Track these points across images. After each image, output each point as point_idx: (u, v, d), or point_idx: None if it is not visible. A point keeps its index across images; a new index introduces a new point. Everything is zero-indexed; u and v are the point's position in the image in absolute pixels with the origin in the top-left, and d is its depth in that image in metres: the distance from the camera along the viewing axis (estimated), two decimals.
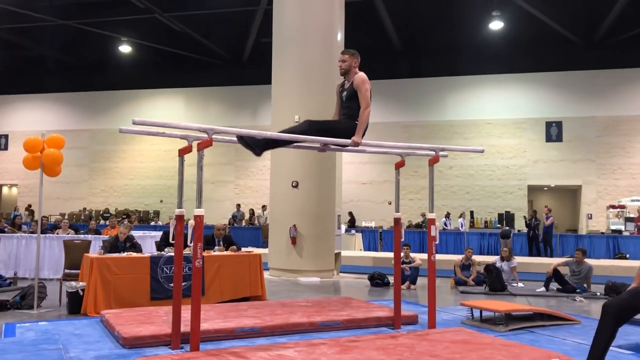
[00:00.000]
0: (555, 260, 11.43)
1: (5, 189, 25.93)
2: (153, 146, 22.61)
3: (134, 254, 7.44)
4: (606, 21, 17.59)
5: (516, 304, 7.87)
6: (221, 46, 21.08)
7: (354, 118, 4.95)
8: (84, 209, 22.36)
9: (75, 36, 20.81)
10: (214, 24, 19.31)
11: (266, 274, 9.40)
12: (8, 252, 10.46)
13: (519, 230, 17.33)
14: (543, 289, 9.67)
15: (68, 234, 11.02)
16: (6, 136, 24.41)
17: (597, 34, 18.73)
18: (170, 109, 22.99)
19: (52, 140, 7.35)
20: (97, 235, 10.98)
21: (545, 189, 21.12)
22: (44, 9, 18.04)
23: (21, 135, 19.96)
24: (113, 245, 7.83)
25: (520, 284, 10.39)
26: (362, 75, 5.00)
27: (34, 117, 23.89)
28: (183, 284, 5.03)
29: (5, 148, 24.36)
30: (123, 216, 20.56)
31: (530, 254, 16.12)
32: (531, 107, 19.80)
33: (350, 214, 19.29)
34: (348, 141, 4.84)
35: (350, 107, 5.01)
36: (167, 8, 17.98)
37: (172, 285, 5.61)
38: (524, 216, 17.28)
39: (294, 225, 11.13)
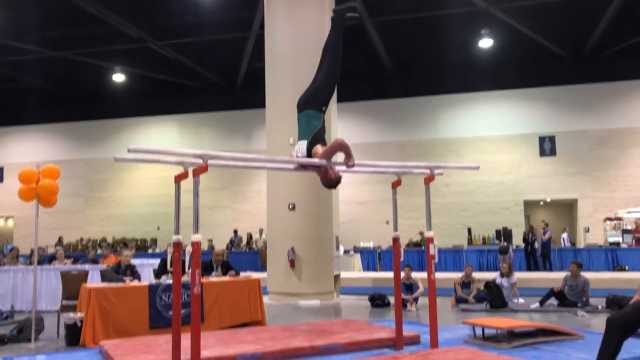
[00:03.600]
0: (556, 275, 11.42)
1: (0, 222, 25.79)
2: (149, 173, 22.60)
3: (132, 283, 7.39)
4: (593, 36, 17.82)
5: (518, 320, 7.82)
6: (214, 72, 21.23)
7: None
8: (81, 239, 22.25)
9: (69, 67, 20.92)
10: (206, 50, 19.45)
11: (266, 299, 9.33)
12: (5, 285, 10.37)
13: (517, 246, 17.31)
14: (537, 304, 9.62)
15: (65, 264, 10.95)
16: (1, 168, 24.38)
17: (585, 49, 18.95)
18: (164, 136, 23.05)
19: (48, 171, 7.35)
20: (95, 265, 10.91)
21: (542, 203, 21.15)
22: (37, 41, 18.16)
23: (16, 167, 19.91)
24: (115, 271, 7.83)
25: (521, 300, 10.35)
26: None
27: (29, 149, 23.91)
28: (182, 311, 4.99)
29: (1, 180, 24.31)
30: (120, 245, 20.48)
31: (529, 269, 16.10)
32: (524, 123, 19.93)
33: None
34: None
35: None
36: (160, 37, 18.13)
37: (171, 313, 5.56)
38: (524, 232, 17.27)
39: (292, 248, 11.10)
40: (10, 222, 25.03)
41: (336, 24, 4.84)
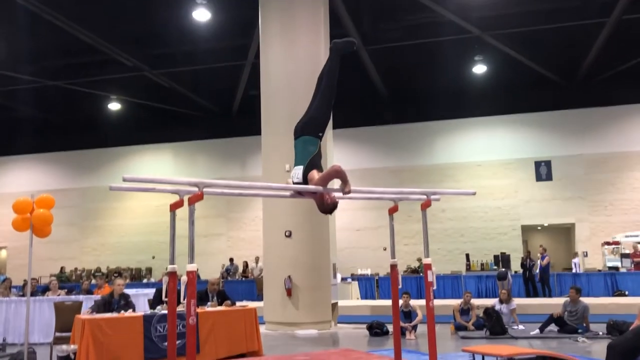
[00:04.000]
0: (555, 301, 11.32)
1: None
2: (144, 202, 22.51)
3: (127, 314, 7.27)
4: (586, 61, 18.02)
5: (518, 347, 7.71)
6: (210, 100, 21.33)
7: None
8: (75, 268, 22.02)
9: (64, 96, 20.99)
10: (202, 79, 19.57)
11: (262, 328, 9.20)
12: None
13: (515, 272, 17.21)
14: (537, 331, 9.52)
15: (59, 295, 10.80)
16: None
17: (578, 74, 19.15)
18: (159, 164, 23.03)
19: (42, 201, 7.31)
20: (89, 296, 10.77)
21: (539, 228, 21.11)
22: (32, 70, 18.25)
23: (10, 197, 19.76)
24: (107, 302, 7.68)
25: (520, 327, 10.25)
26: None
27: (23, 178, 23.82)
28: (177, 342, 4.89)
29: None
30: (115, 274, 20.25)
31: (528, 295, 15.97)
32: (519, 148, 20.02)
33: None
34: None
35: None
36: (155, 65, 18.25)
37: (166, 344, 5.45)
38: (522, 257, 17.19)
39: (289, 277, 11.00)
40: (4, 253, 24.79)
41: (334, 54, 4.95)
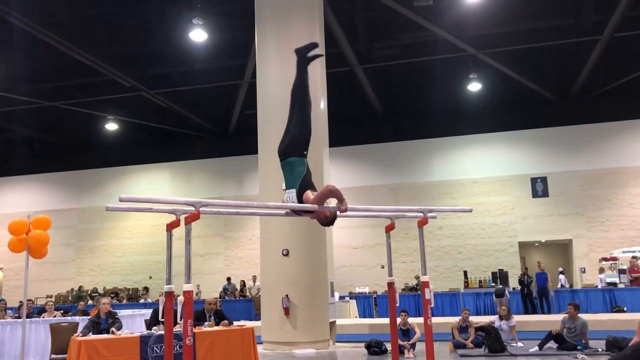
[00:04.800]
0: (554, 317, 11.27)
1: None
2: (140, 222, 22.45)
3: (122, 334, 7.22)
4: (579, 78, 18.20)
5: None
6: (207, 119, 21.41)
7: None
8: (72, 289, 21.87)
9: (62, 117, 21.06)
10: (199, 98, 19.67)
11: (260, 348, 9.14)
12: None
13: (513, 288, 17.16)
14: (536, 348, 9.47)
15: (55, 316, 10.71)
16: None
17: (571, 91, 19.32)
18: (156, 183, 23.02)
19: (39, 222, 7.30)
20: (86, 317, 10.68)
21: (537, 244, 21.11)
22: (29, 91, 18.31)
23: (6, 218, 19.73)
24: (95, 323, 7.61)
25: (519, 344, 10.18)
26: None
27: (20, 199, 23.75)
28: None
29: None
30: (112, 295, 20.13)
31: (526, 312, 15.90)
32: (515, 164, 20.09)
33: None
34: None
35: None
36: (152, 86, 18.34)
37: None
38: (520, 274, 17.14)
39: (287, 295, 10.93)
40: (0, 274, 24.63)
41: (300, 65, 4.96)
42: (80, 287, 21.49)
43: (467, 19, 15.27)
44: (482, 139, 20.58)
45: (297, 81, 4.99)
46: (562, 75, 18.87)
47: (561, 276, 18.02)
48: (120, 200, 4.20)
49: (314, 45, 5.06)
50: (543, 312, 15.66)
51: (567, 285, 17.90)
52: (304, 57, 5.03)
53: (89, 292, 21.17)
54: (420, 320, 8.51)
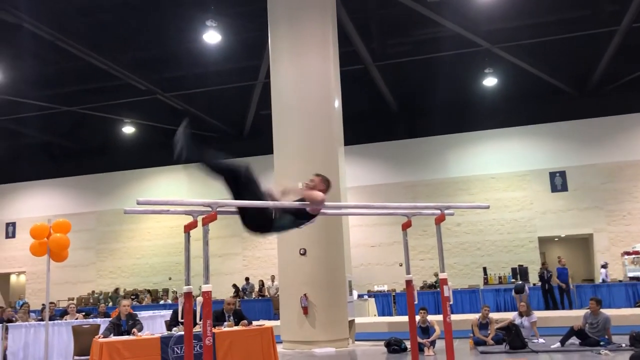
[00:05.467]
0: (575, 313, 11.15)
1: (13, 277, 25.78)
2: (159, 223, 22.62)
3: (143, 336, 7.28)
4: (597, 70, 17.93)
5: None
6: (222, 121, 21.50)
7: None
8: (93, 292, 22.13)
9: (79, 121, 21.32)
10: (214, 100, 19.77)
11: (279, 347, 9.16)
12: (17, 341, 10.26)
13: (534, 284, 16.99)
14: (558, 344, 9.36)
15: (76, 318, 10.85)
16: (13, 224, 24.51)
17: (589, 83, 19.04)
18: (173, 185, 23.15)
19: (59, 225, 7.39)
20: (107, 318, 10.80)
21: (556, 239, 20.87)
22: (47, 97, 18.57)
23: (28, 222, 20.02)
24: (116, 325, 7.69)
25: (541, 340, 10.08)
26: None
27: (40, 203, 24.08)
28: None
29: (13, 236, 24.41)
30: (132, 297, 20.32)
31: (547, 308, 15.75)
32: (533, 159, 19.87)
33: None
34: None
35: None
36: (168, 88, 18.47)
37: None
38: (540, 270, 16.94)
39: (305, 295, 10.95)
40: (23, 278, 25.01)
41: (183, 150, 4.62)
42: (116, 289, 21.71)
43: (481, 14, 15.14)
44: (499, 134, 20.38)
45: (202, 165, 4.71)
46: (579, 67, 18.62)
47: (603, 270, 17.60)
48: (138, 204, 4.24)
49: (187, 125, 4.81)
50: (563, 308, 15.50)
51: (609, 280, 17.42)
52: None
53: (110, 294, 21.38)
54: (440, 317, 8.46)
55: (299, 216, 4.73)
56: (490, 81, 18.68)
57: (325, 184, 4.84)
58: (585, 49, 17.05)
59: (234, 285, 20.15)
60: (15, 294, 24.63)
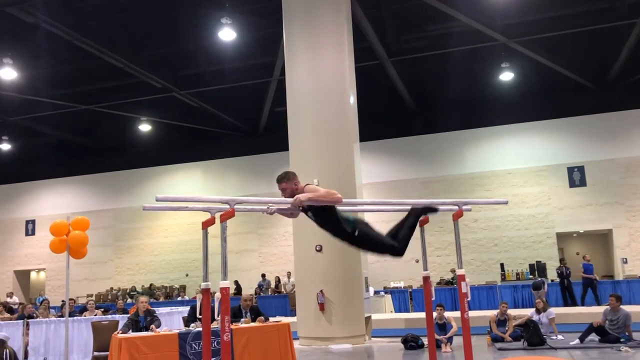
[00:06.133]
0: (595, 309, 11.03)
1: (33, 274, 26.16)
2: (176, 220, 22.80)
3: (161, 332, 7.34)
4: (615, 64, 17.68)
5: (557, 358, 7.54)
6: (237, 118, 21.57)
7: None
8: (111, 288, 22.38)
9: (97, 119, 21.54)
10: (229, 97, 19.85)
11: (296, 344, 9.18)
12: (37, 337, 10.42)
13: (552, 280, 16.83)
14: (577, 341, 9.26)
15: (95, 314, 10.97)
16: (33, 221, 24.85)
17: (607, 77, 18.78)
18: (189, 182, 23.31)
19: (78, 223, 7.48)
20: (125, 315, 10.90)
21: (575, 235, 20.64)
22: (65, 96, 18.79)
23: (47, 220, 20.32)
24: (134, 321, 7.77)
25: (560, 337, 9.99)
26: (308, 188, 4.68)
27: (59, 201, 24.39)
28: (213, 359, 4.91)
29: (33, 233, 24.75)
30: (151, 292, 20.54)
31: (565, 304, 15.59)
32: (551, 154, 19.65)
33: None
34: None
35: (332, 223, 4.81)
36: (183, 86, 18.58)
37: None
38: (558, 266, 16.76)
39: (321, 291, 10.96)
40: (42, 274, 25.36)
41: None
42: (151, 285, 21.97)
43: (497, 8, 14.98)
44: (516, 129, 20.18)
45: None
46: (597, 61, 18.37)
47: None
48: (157, 200, 4.27)
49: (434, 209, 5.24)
50: (584, 304, 15.31)
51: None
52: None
53: (128, 291, 21.60)
54: (457, 314, 8.41)
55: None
56: (506, 76, 18.49)
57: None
58: (604, 42, 16.82)
59: (236, 282, 20.23)
60: (35, 291, 24.99)
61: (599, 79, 19.11)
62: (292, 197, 4.59)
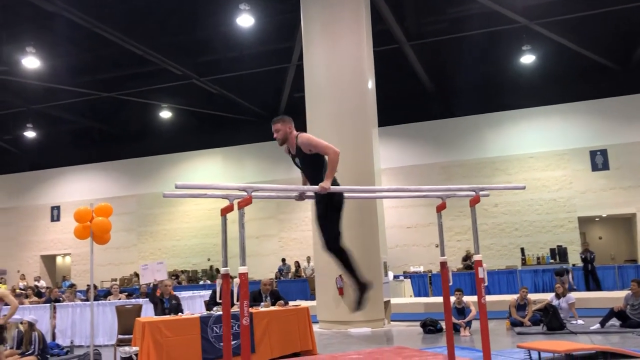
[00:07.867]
0: (616, 294, 10.94)
1: (59, 259, 26.73)
2: (197, 206, 23.05)
3: (183, 316, 7.51)
4: None
5: (577, 343, 7.53)
6: (256, 104, 21.63)
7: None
8: (135, 273, 22.76)
9: (118, 106, 21.78)
10: (248, 83, 19.89)
11: (316, 327, 9.29)
12: (64, 320, 10.71)
13: (573, 265, 16.70)
14: (598, 325, 9.22)
15: (120, 299, 11.22)
16: (58, 207, 25.33)
17: (632, 58, 18.40)
18: (209, 168, 23.51)
19: (101, 209, 7.63)
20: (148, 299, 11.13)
21: (597, 219, 20.40)
22: (87, 83, 19.02)
23: (72, 206, 20.72)
24: (160, 301, 7.99)
25: (580, 321, 9.96)
26: (302, 136, 4.90)
27: (83, 187, 24.80)
28: (233, 342, 5.02)
29: (58, 219, 25.24)
30: (172, 277, 20.84)
31: (588, 289, 15.48)
32: (573, 137, 19.38)
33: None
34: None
35: (316, 170, 4.92)
36: (203, 73, 18.68)
37: (222, 344, 5.61)
38: (581, 250, 16.57)
39: (340, 276, 11.05)
40: (68, 259, 25.90)
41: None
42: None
43: None
44: (537, 112, 19.92)
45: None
46: (621, 42, 17.99)
47: None
48: (176, 187, 4.35)
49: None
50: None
51: None
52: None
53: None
54: (476, 298, 8.43)
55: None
56: (528, 58, 18.20)
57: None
58: (628, 23, 16.45)
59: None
60: (61, 275, 25.57)
61: (623, 61, 18.73)
62: (284, 140, 4.97)
